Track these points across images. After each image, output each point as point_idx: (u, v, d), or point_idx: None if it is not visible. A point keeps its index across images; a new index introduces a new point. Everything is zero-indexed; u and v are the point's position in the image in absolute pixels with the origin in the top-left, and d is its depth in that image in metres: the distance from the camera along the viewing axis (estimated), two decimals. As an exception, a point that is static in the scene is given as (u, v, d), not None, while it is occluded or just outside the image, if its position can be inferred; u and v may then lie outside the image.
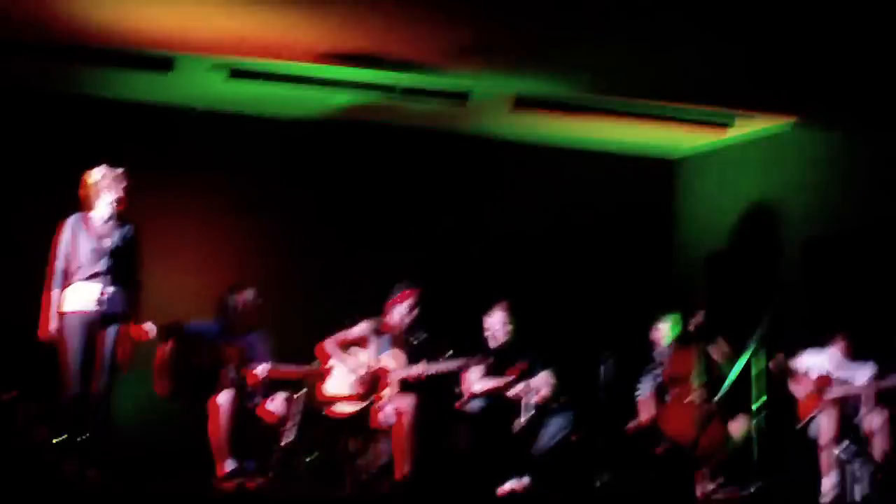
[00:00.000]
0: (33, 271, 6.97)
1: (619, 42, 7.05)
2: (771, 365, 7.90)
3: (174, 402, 7.26)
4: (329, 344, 7.53)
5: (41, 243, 6.98)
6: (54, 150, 8.29)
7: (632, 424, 7.93)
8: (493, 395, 7.64)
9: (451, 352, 7.41)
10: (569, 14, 6.58)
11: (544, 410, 7.61)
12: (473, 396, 7.67)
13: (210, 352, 7.25)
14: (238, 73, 7.86)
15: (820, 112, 8.42)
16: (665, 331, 8.08)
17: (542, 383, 7.74)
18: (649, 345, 8.16)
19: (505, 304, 7.89)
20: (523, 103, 8.44)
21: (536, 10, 6.54)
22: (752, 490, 7.25)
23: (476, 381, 7.68)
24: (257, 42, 7.31)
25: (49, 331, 6.67)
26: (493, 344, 7.81)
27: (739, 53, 7.14)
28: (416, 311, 7.55)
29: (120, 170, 6.80)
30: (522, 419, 7.48)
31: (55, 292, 6.70)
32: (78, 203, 6.85)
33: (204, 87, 8.22)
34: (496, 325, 7.83)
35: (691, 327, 7.86)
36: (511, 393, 7.59)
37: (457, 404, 7.65)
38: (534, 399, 7.64)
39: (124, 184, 6.77)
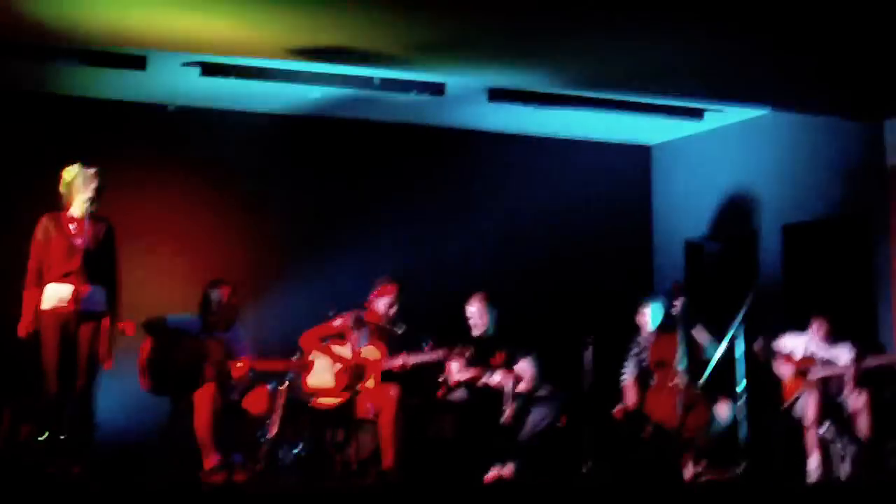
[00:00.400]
0: (12, 270, 6.93)
1: (593, 36, 7.06)
2: (755, 347, 7.96)
3: (158, 397, 7.21)
4: (310, 337, 7.52)
5: (19, 242, 6.95)
6: (29, 150, 8.25)
7: (617, 409, 7.93)
8: (475, 385, 7.65)
9: (430, 343, 7.40)
10: (540, 7, 6.57)
11: (528, 398, 7.62)
12: (457, 385, 7.67)
13: (192, 347, 7.21)
14: (210, 70, 7.84)
15: (793, 100, 8.47)
16: (649, 315, 8.09)
17: (524, 371, 7.76)
18: (634, 329, 8.17)
19: (483, 294, 7.89)
20: (498, 95, 8.46)
21: (508, 4, 6.54)
22: (738, 471, 7.29)
23: (458, 370, 7.69)
24: (228, 39, 7.27)
25: (28, 329, 6.64)
26: (475, 333, 7.82)
27: (713, 45, 7.16)
28: (394, 309, 7.55)
29: (93, 169, 6.76)
30: (507, 409, 7.47)
31: (32, 291, 6.68)
32: (55, 202, 6.82)
33: (177, 84, 8.19)
34: (475, 314, 7.84)
35: (673, 312, 7.88)
36: (494, 382, 7.59)
37: (439, 392, 7.65)
38: (517, 388, 7.64)
39: (98, 182, 6.73)
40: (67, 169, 6.77)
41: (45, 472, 6.43)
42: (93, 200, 6.72)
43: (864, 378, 7.75)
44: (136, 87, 8.28)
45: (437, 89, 8.21)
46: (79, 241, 6.66)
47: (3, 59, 7.55)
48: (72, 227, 6.71)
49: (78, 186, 6.73)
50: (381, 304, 7.59)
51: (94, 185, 6.72)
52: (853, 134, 8.60)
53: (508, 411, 7.49)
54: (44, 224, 6.72)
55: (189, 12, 6.72)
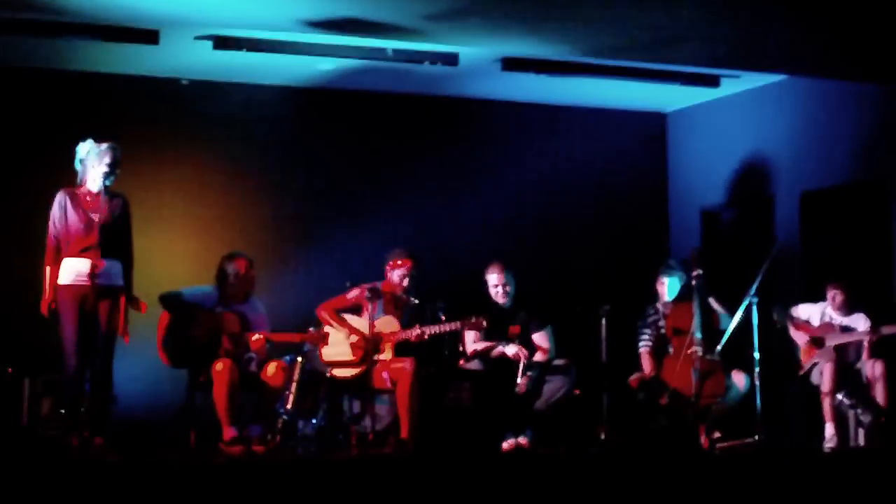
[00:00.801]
0: (33, 247, 6.99)
1: (609, 2, 7.00)
2: (774, 315, 7.94)
3: (176, 370, 7.25)
4: (326, 309, 7.55)
5: (35, 219, 7.04)
6: (44, 126, 8.29)
7: (633, 377, 7.94)
8: (490, 356, 7.66)
9: (443, 315, 7.40)
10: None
11: (544, 369, 7.63)
12: (475, 355, 7.69)
13: (209, 320, 7.24)
14: (222, 44, 7.83)
15: (810, 65, 8.40)
16: (668, 285, 8.07)
17: (541, 343, 7.77)
18: (651, 297, 8.16)
19: (500, 263, 7.89)
20: (512, 64, 8.42)
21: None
22: (755, 439, 7.29)
23: (473, 341, 7.71)
24: (243, 11, 7.26)
25: (50, 306, 6.70)
26: (498, 302, 7.81)
27: (729, 10, 7.09)
28: (407, 282, 7.56)
29: (106, 143, 6.79)
30: (521, 380, 7.49)
31: (50, 267, 6.74)
32: (70, 178, 6.85)
33: (190, 58, 8.19)
34: (497, 284, 7.83)
35: (690, 280, 7.87)
36: (510, 353, 7.60)
37: (461, 361, 7.67)
38: (534, 358, 7.66)
39: (112, 157, 6.75)
40: (81, 144, 6.81)
41: (67, 444, 6.51)
42: (107, 175, 6.75)
43: (880, 345, 7.75)
44: (149, 62, 8.28)
45: (451, 59, 8.17)
46: (95, 216, 6.69)
47: (17, 35, 7.57)
48: (88, 201, 6.74)
49: (92, 161, 6.77)
50: (396, 275, 7.59)
51: (107, 159, 6.74)
52: (871, 99, 8.53)
53: (522, 382, 7.51)
54: (60, 199, 6.76)
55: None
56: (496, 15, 7.17)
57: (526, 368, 7.53)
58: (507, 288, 7.84)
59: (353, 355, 7.41)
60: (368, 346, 7.36)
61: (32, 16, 7.34)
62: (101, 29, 7.55)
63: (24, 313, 7.22)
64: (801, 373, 7.92)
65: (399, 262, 7.58)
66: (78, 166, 6.81)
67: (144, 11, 7.18)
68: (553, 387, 7.58)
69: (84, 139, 6.84)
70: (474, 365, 7.70)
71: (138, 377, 7.70)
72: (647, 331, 8.09)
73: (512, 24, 7.35)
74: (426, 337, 7.34)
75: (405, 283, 7.56)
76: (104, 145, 6.77)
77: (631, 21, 7.20)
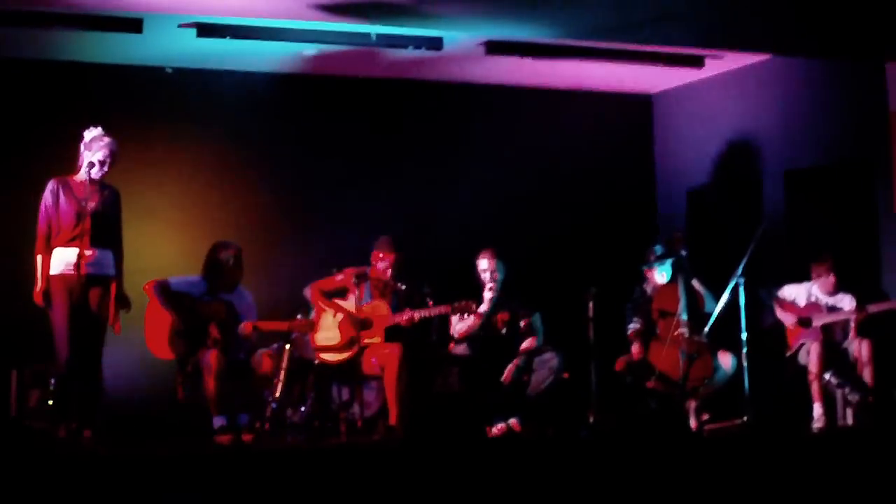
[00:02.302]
0: (21, 237, 6.99)
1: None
2: (762, 294, 7.97)
3: (164, 360, 7.24)
4: (313, 290, 7.54)
5: (24, 209, 7.04)
6: (30, 117, 8.28)
7: (619, 360, 7.95)
8: (477, 340, 7.67)
9: (430, 299, 7.41)
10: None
11: (532, 356, 7.64)
12: (463, 338, 7.69)
13: (196, 308, 7.23)
14: (206, 31, 7.81)
15: (794, 44, 8.40)
16: (660, 271, 8.04)
17: (529, 329, 7.78)
18: (640, 279, 8.17)
19: (492, 249, 7.89)
20: (496, 48, 8.41)
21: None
22: (744, 420, 7.32)
23: (459, 324, 7.72)
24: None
25: (41, 293, 6.68)
26: (487, 288, 7.81)
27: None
28: (390, 272, 7.55)
29: (98, 132, 6.78)
30: (508, 367, 7.50)
31: (42, 255, 6.72)
32: (59, 167, 6.86)
33: (174, 46, 8.16)
34: (488, 270, 7.83)
35: (675, 262, 7.88)
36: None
37: (450, 346, 7.68)
38: (522, 346, 7.67)
39: (103, 146, 6.74)
40: (88, 129, 6.79)
41: (55, 436, 6.51)
42: (102, 164, 6.73)
43: (867, 325, 7.78)
44: (134, 51, 8.25)
45: (435, 44, 8.16)
46: (87, 205, 6.66)
47: (0, 26, 7.53)
48: (80, 189, 6.72)
49: (84, 150, 6.77)
50: (379, 265, 7.60)
51: (103, 149, 6.73)
52: (855, 78, 8.54)
53: (509, 370, 7.52)
54: (52, 187, 6.76)
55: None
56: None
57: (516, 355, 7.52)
58: (496, 275, 7.83)
59: (342, 338, 7.40)
60: (356, 326, 7.35)
61: (15, 6, 7.30)
62: (85, 18, 7.53)
63: (12, 304, 7.22)
64: (789, 353, 7.95)
65: (381, 255, 7.58)
66: (82, 150, 6.79)
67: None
68: (540, 375, 7.59)
69: (73, 128, 6.84)
70: (462, 350, 7.71)
71: (126, 367, 7.70)
72: (633, 313, 8.09)
73: (496, 5, 7.34)
74: (416, 320, 7.34)
75: (388, 272, 7.56)
76: (96, 133, 6.77)
77: (614, 1, 7.20)
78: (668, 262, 8.01)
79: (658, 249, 8.11)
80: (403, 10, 7.25)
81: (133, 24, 7.63)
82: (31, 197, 6.84)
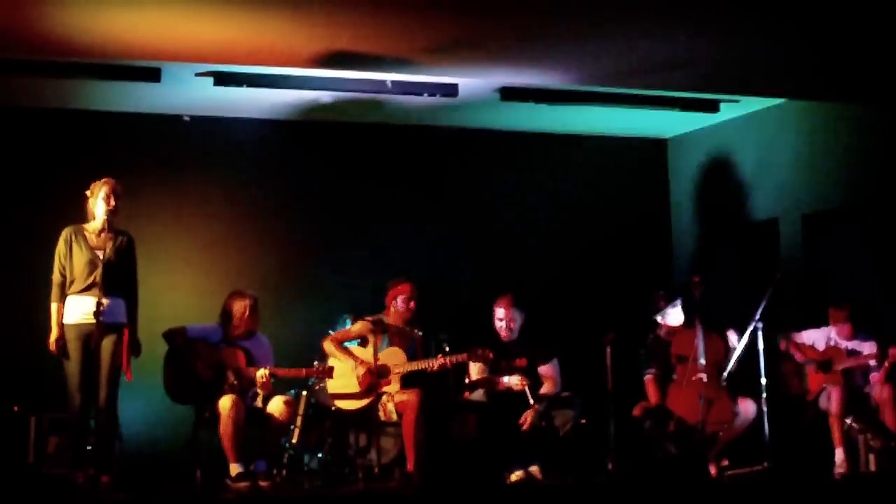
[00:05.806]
0: (37, 285, 7.05)
1: (607, 32, 7.03)
2: (781, 343, 7.92)
3: (182, 406, 7.23)
4: (330, 341, 7.52)
5: (39, 257, 7.08)
6: (48, 165, 8.37)
7: (638, 406, 7.89)
8: (494, 387, 7.63)
9: (446, 346, 7.38)
10: (551, 6, 6.56)
11: (551, 402, 7.59)
12: (475, 384, 7.65)
13: (213, 356, 7.24)
14: (223, 80, 7.89)
15: (809, 89, 8.42)
16: (676, 313, 8.00)
17: (547, 375, 7.74)
18: (653, 324, 8.13)
19: (509, 296, 7.86)
20: (511, 94, 8.45)
21: (517, 2, 6.52)
22: (764, 466, 7.25)
23: (479, 373, 7.69)
24: (242, 49, 7.30)
25: (58, 344, 6.73)
26: (503, 336, 7.79)
27: (723, 37, 7.13)
28: (412, 305, 7.52)
29: (111, 181, 6.83)
30: (527, 416, 7.44)
31: (57, 304, 6.76)
32: (75, 215, 6.90)
33: (191, 94, 8.24)
34: (506, 318, 7.79)
35: (692, 307, 7.84)
36: (517, 386, 7.56)
37: (466, 394, 7.64)
38: (541, 391, 7.63)
39: (116, 194, 6.80)
40: (95, 182, 6.85)
41: (73, 482, 6.50)
42: (113, 212, 6.78)
43: (888, 370, 7.71)
44: (152, 99, 8.34)
45: (450, 91, 8.21)
46: (100, 254, 6.73)
47: (20, 76, 7.63)
48: (93, 238, 6.78)
49: (97, 198, 6.83)
50: (398, 302, 7.55)
51: (114, 195, 6.78)
52: (871, 120, 8.53)
53: (528, 418, 7.45)
54: (66, 236, 6.82)
55: (202, 23, 6.76)
56: (494, 46, 7.21)
57: (534, 400, 7.47)
58: (513, 324, 7.81)
59: (360, 386, 7.37)
60: (374, 378, 7.34)
61: (35, 57, 7.39)
62: (105, 68, 7.63)
63: (30, 351, 7.24)
64: (810, 398, 7.88)
65: (399, 288, 7.56)
66: (90, 202, 6.86)
67: (146, 49, 7.21)
68: (560, 420, 7.54)
69: (89, 177, 6.89)
70: (478, 396, 7.67)
71: (144, 414, 7.70)
72: (651, 358, 8.04)
73: (509, 54, 7.38)
74: (435, 368, 7.30)
75: (411, 305, 7.51)
76: (110, 182, 6.83)
77: (628, 48, 7.24)
78: (678, 304, 7.97)
79: (670, 295, 8.08)
80: (418, 64, 7.32)
81: (151, 74, 7.73)
82: (47, 245, 6.89)
